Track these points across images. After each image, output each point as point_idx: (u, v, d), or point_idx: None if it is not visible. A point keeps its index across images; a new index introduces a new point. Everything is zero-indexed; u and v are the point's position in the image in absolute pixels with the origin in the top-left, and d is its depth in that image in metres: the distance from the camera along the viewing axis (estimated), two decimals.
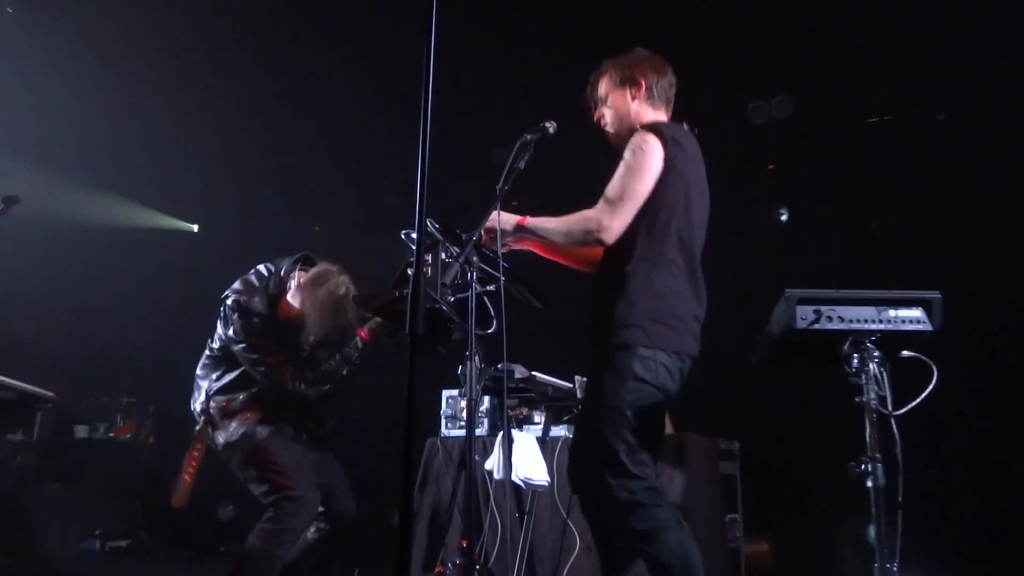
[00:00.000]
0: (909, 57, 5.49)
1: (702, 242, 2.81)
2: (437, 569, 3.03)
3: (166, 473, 7.10)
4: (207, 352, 3.45)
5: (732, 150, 6.14)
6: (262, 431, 3.24)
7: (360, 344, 3.33)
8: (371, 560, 2.91)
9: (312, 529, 3.32)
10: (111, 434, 7.16)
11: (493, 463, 3.61)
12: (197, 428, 3.41)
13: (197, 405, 3.38)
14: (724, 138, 6.14)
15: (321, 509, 3.32)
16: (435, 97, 1.84)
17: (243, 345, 3.30)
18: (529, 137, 2.76)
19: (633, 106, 2.91)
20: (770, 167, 6.53)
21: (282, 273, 3.44)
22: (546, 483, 3.58)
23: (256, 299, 3.35)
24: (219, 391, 3.32)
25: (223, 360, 3.37)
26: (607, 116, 2.96)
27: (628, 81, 2.91)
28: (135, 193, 6.92)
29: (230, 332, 3.33)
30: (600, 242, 2.66)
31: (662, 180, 2.68)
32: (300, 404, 3.39)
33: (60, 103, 6.02)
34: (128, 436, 7.24)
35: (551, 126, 2.79)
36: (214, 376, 3.36)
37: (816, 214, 6.20)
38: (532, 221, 2.76)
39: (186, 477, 3.26)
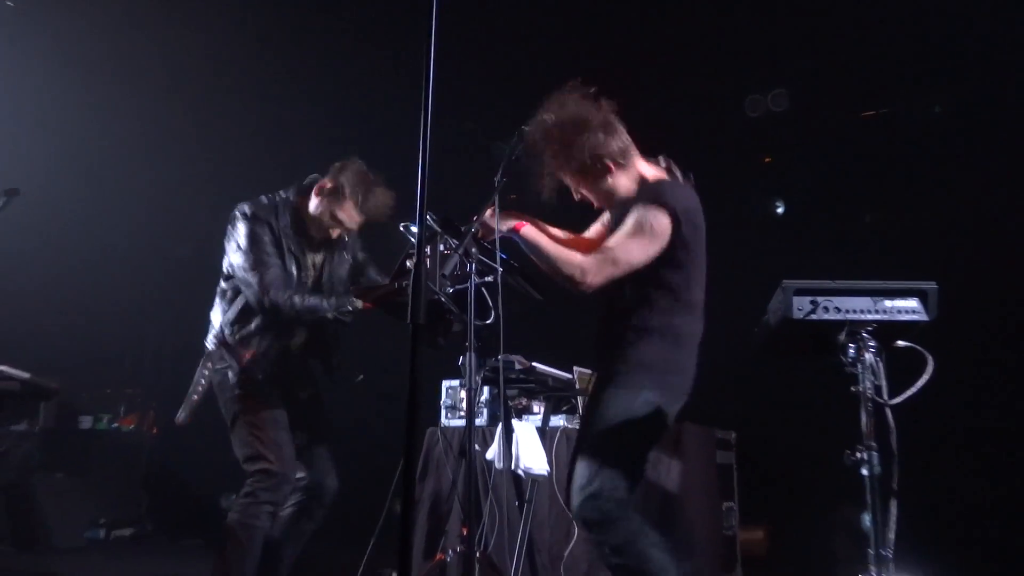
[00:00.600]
0: (904, 51, 5.49)
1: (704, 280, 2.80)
2: (438, 556, 3.03)
3: (170, 463, 7.12)
4: (217, 290, 3.31)
5: (729, 143, 6.15)
6: (261, 380, 3.14)
7: (356, 305, 3.16)
8: (373, 548, 2.91)
9: (291, 501, 3.23)
10: (115, 424, 7.17)
11: (493, 452, 3.61)
12: (210, 351, 3.26)
13: (209, 341, 3.27)
14: (721, 132, 6.15)
15: (301, 476, 3.23)
16: (435, 91, 1.83)
17: (241, 255, 3.15)
18: (527, 130, 2.75)
19: (610, 181, 2.75)
20: (766, 160, 6.53)
21: (299, 186, 3.33)
22: (545, 472, 3.58)
23: (263, 210, 3.22)
24: (230, 322, 3.20)
25: (232, 292, 3.24)
26: (588, 197, 2.85)
27: (593, 166, 2.71)
28: (140, 187, 6.88)
29: (232, 244, 3.20)
30: (576, 289, 2.62)
31: (673, 247, 2.62)
32: (306, 349, 3.28)
33: (67, 94, 5.99)
34: (132, 427, 7.24)
35: (550, 118, 2.77)
36: (224, 307, 3.24)
37: (812, 206, 6.21)
38: (528, 232, 2.70)
39: (195, 397, 3.19)
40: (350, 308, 3.13)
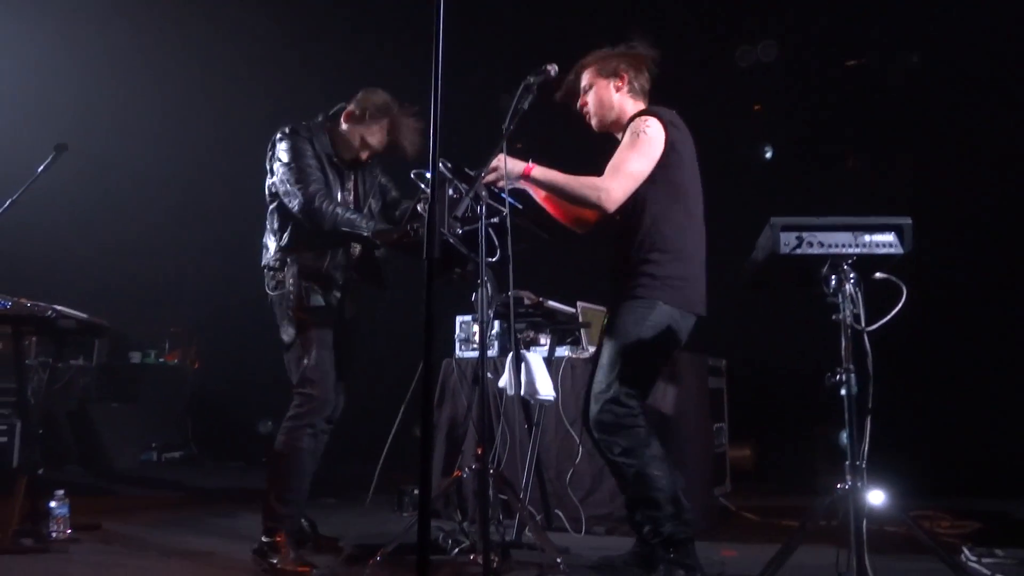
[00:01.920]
0: (886, 4, 5.36)
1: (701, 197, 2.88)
2: (455, 473, 3.08)
3: (212, 393, 7.23)
4: (267, 214, 3.17)
5: (721, 92, 6.03)
6: (315, 298, 3.03)
7: (376, 236, 3.01)
8: (397, 468, 2.96)
9: None
10: (161, 359, 7.27)
11: (504, 381, 3.64)
12: (268, 273, 3.13)
13: (265, 263, 3.15)
14: (713, 81, 6.03)
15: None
16: (445, 43, 1.79)
17: (284, 169, 3.02)
18: (532, 80, 2.71)
19: (616, 98, 2.92)
20: (756, 108, 6.42)
21: (328, 113, 3.24)
22: (552, 398, 3.61)
23: (303, 130, 3.10)
24: (281, 242, 3.08)
25: (280, 213, 3.12)
26: (590, 105, 2.96)
27: (612, 74, 2.91)
28: (183, 138, 6.82)
29: (275, 163, 3.08)
30: (600, 208, 2.71)
31: (669, 159, 2.73)
32: (360, 265, 3.17)
33: (116, 54, 5.91)
34: (176, 361, 7.34)
35: (553, 69, 2.73)
36: (274, 229, 3.13)
37: (798, 151, 6.13)
38: (539, 172, 2.75)
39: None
40: (369, 234, 2.99)
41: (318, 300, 3.05)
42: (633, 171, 2.68)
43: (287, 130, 3.10)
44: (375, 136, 3.16)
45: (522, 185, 2.83)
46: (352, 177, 3.25)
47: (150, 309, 7.43)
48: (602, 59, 2.94)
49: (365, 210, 3.22)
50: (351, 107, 3.17)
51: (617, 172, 2.68)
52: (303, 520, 3.19)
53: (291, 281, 3.06)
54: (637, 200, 2.73)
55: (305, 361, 3.01)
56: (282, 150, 3.07)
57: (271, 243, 3.14)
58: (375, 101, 3.14)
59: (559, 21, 5.60)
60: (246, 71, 6.43)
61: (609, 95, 2.92)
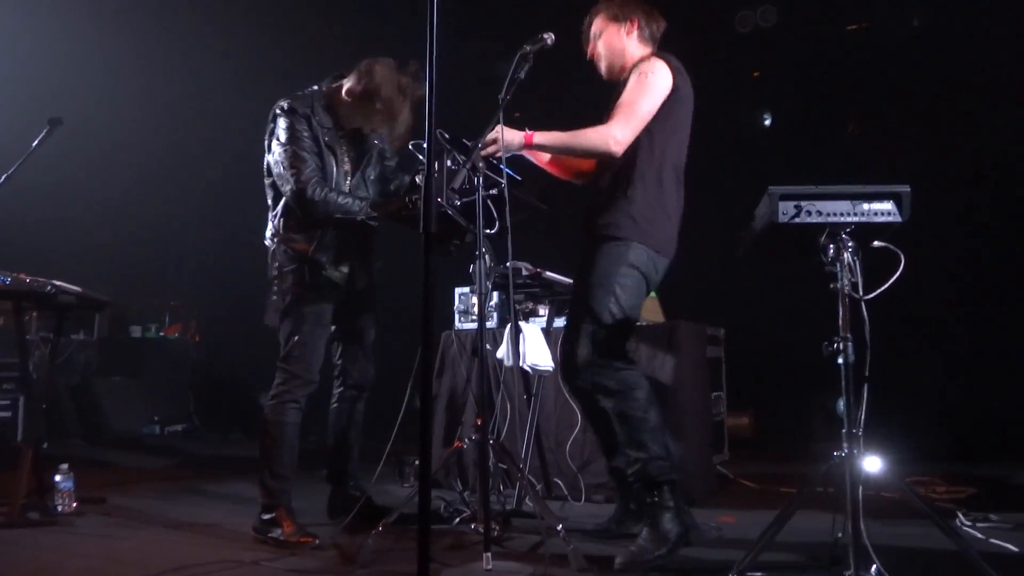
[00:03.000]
0: None
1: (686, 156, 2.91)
2: (455, 444, 3.10)
3: (212, 367, 7.26)
4: (265, 188, 3.15)
5: (720, 58, 5.97)
6: (317, 274, 3.01)
7: (373, 211, 3.00)
8: (398, 438, 2.97)
9: (334, 398, 3.28)
10: (161, 333, 7.29)
11: (503, 352, 3.65)
12: (271, 249, 3.12)
13: (267, 239, 3.14)
14: (713, 47, 5.96)
15: (338, 364, 3.25)
16: (440, 11, 1.77)
17: (280, 150, 2.99)
18: (528, 48, 2.69)
19: (626, 42, 2.93)
20: (755, 74, 6.35)
21: (330, 80, 3.17)
22: (550, 368, 3.63)
23: (301, 104, 3.03)
24: (281, 218, 3.06)
25: (276, 190, 3.10)
26: (600, 50, 2.97)
27: (622, 19, 2.93)
28: (176, 112, 6.76)
29: (273, 140, 3.04)
30: (610, 154, 2.73)
31: (670, 103, 2.75)
32: (363, 240, 3.16)
33: (105, 28, 5.84)
34: (176, 335, 7.36)
35: (549, 37, 2.70)
36: (272, 204, 3.12)
37: (797, 118, 6.08)
38: (540, 137, 2.76)
39: (273, 297, 3.08)
40: (375, 214, 2.99)
41: (317, 276, 3.03)
42: (640, 112, 2.71)
43: (285, 107, 3.04)
44: (375, 118, 3.09)
45: (525, 154, 2.82)
46: (355, 148, 3.20)
47: (150, 283, 7.45)
48: (614, 4, 2.96)
49: (357, 177, 3.17)
50: (352, 83, 3.06)
51: (623, 114, 2.70)
52: (356, 491, 3.21)
53: (287, 257, 3.04)
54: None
55: (295, 338, 3.01)
56: (280, 129, 3.03)
57: (270, 218, 3.14)
58: (378, 83, 3.01)
59: None
60: (242, 46, 6.34)
61: (620, 40, 2.94)
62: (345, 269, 3.10)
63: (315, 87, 3.17)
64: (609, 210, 2.74)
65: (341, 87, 3.11)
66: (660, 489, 2.61)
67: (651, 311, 4.10)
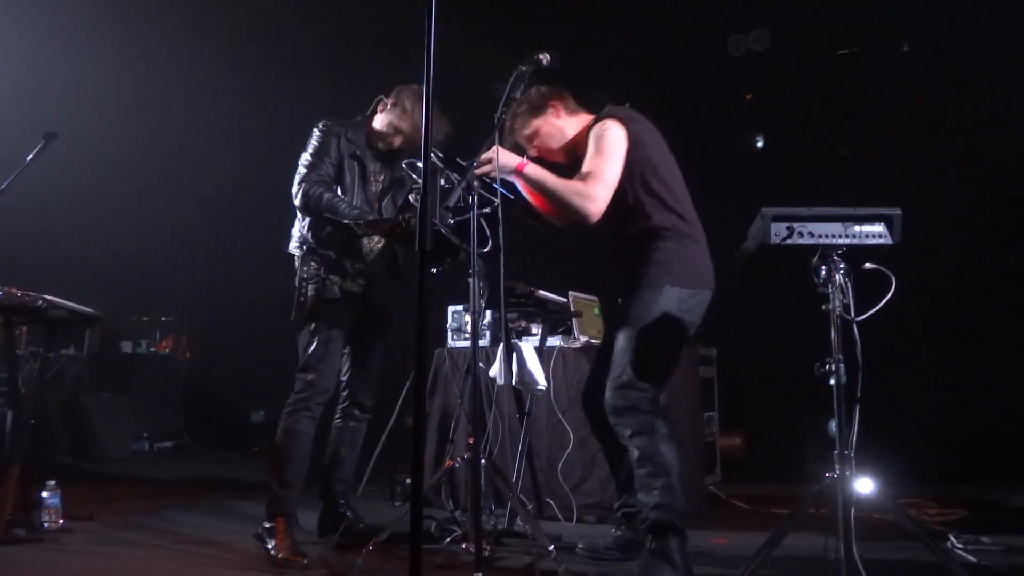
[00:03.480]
0: None
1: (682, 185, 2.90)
2: (447, 463, 3.09)
3: (203, 383, 7.22)
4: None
5: (714, 81, 6.03)
6: (336, 286, 3.08)
7: (367, 226, 3.06)
8: (391, 456, 2.95)
9: (336, 415, 3.30)
10: (152, 349, 7.25)
11: (496, 370, 3.65)
12: (297, 257, 3.19)
13: (292, 248, 3.21)
14: (706, 70, 6.02)
15: (343, 381, 3.27)
16: (437, 33, 1.79)
17: (301, 160, 3.15)
18: (524, 68, 2.70)
19: (561, 123, 2.96)
20: (748, 97, 6.41)
21: (369, 110, 3.33)
22: (543, 387, 3.63)
23: (337, 125, 3.20)
24: (305, 228, 3.15)
25: None
26: (545, 145, 2.98)
27: (542, 109, 2.95)
28: (168, 131, 6.77)
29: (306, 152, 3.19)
30: (585, 220, 2.71)
31: (636, 150, 2.75)
32: (379, 255, 3.21)
33: (100, 44, 5.86)
34: (167, 350, 7.32)
35: (545, 58, 2.72)
36: (297, 215, 3.21)
37: (790, 140, 6.14)
38: (531, 170, 2.75)
39: (301, 299, 3.12)
40: (364, 223, 3.04)
41: (334, 291, 3.10)
42: (608, 177, 2.69)
43: (321, 124, 3.21)
44: (404, 121, 3.21)
45: (512, 179, 2.82)
46: (385, 169, 3.30)
47: (142, 298, 7.41)
48: (525, 107, 2.95)
49: (386, 201, 3.27)
50: (387, 99, 3.26)
51: (595, 183, 2.68)
52: (348, 512, 3.22)
53: (309, 270, 3.11)
54: (623, 194, 2.74)
55: (312, 348, 3.05)
56: (310, 142, 3.19)
57: (296, 229, 3.22)
58: (409, 92, 3.21)
59: (552, 9, 5.57)
60: (236, 64, 6.36)
61: (554, 125, 2.96)
62: (363, 282, 3.17)
63: (358, 118, 3.31)
64: (640, 265, 2.74)
65: (375, 116, 3.27)
66: (660, 537, 2.54)
67: None
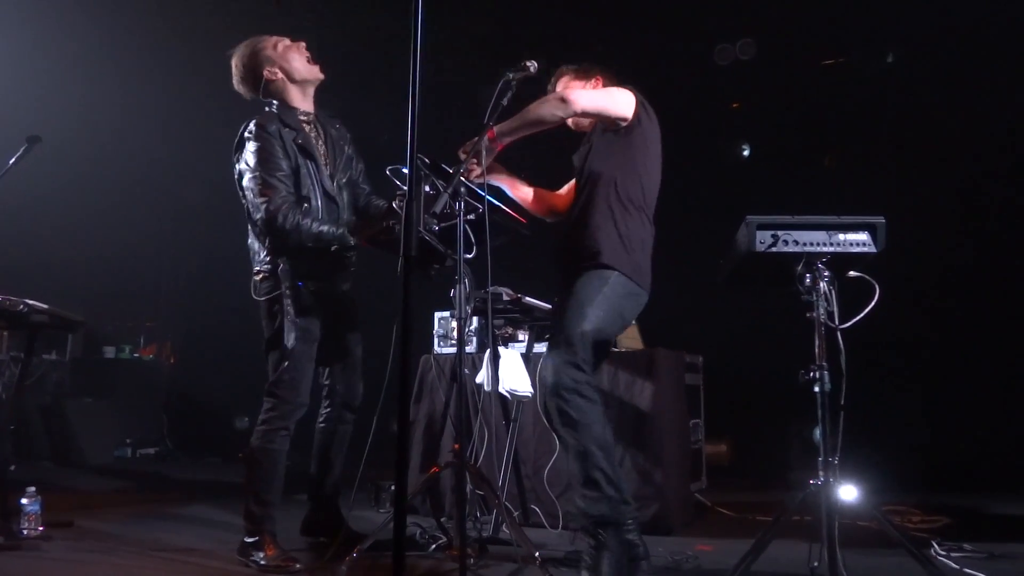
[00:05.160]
0: (863, 4, 5.41)
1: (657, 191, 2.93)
2: (433, 469, 3.08)
3: (187, 389, 7.16)
4: (245, 212, 3.07)
5: (700, 90, 6.06)
6: (303, 296, 2.97)
7: (352, 241, 2.98)
8: (376, 464, 2.93)
9: (321, 417, 3.24)
10: (136, 354, 7.19)
11: (482, 377, 3.64)
12: (258, 271, 3.04)
13: (255, 262, 3.06)
14: (693, 79, 6.06)
15: (326, 384, 3.22)
16: (423, 41, 1.78)
17: (250, 177, 2.93)
18: (512, 76, 2.71)
19: (592, 85, 3.02)
20: (734, 106, 6.46)
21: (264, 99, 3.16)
22: (530, 394, 3.62)
23: (267, 119, 3.00)
24: (271, 247, 2.98)
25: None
26: None
27: (586, 77, 3.04)
28: (153, 136, 6.73)
29: (242, 164, 2.98)
30: (569, 111, 2.72)
31: (633, 132, 2.78)
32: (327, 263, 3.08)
33: (85, 48, 5.82)
34: (151, 356, 7.27)
35: (533, 65, 2.73)
36: (253, 227, 3.04)
37: (775, 149, 6.18)
38: (501, 126, 2.72)
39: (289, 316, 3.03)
40: (352, 243, 2.98)
41: (298, 294, 2.98)
42: (593, 97, 2.81)
43: (254, 129, 2.99)
44: (285, 63, 3.14)
45: (496, 148, 2.77)
46: (325, 142, 3.17)
47: (125, 303, 7.36)
48: (573, 70, 3.08)
49: (345, 193, 3.16)
50: (243, 72, 3.16)
51: (575, 92, 2.81)
52: (335, 515, 3.20)
53: (266, 281, 3.00)
54: (593, 172, 2.79)
55: (284, 363, 2.96)
56: (249, 152, 2.98)
57: (257, 246, 3.06)
58: (244, 51, 3.17)
59: (539, 16, 5.60)
60: (222, 69, 6.34)
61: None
62: (323, 281, 3.08)
63: (266, 108, 3.12)
64: (586, 250, 2.73)
65: (268, 88, 3.15)
66: (606, 529, 2.52)
67: (630, 338, 4.11)
